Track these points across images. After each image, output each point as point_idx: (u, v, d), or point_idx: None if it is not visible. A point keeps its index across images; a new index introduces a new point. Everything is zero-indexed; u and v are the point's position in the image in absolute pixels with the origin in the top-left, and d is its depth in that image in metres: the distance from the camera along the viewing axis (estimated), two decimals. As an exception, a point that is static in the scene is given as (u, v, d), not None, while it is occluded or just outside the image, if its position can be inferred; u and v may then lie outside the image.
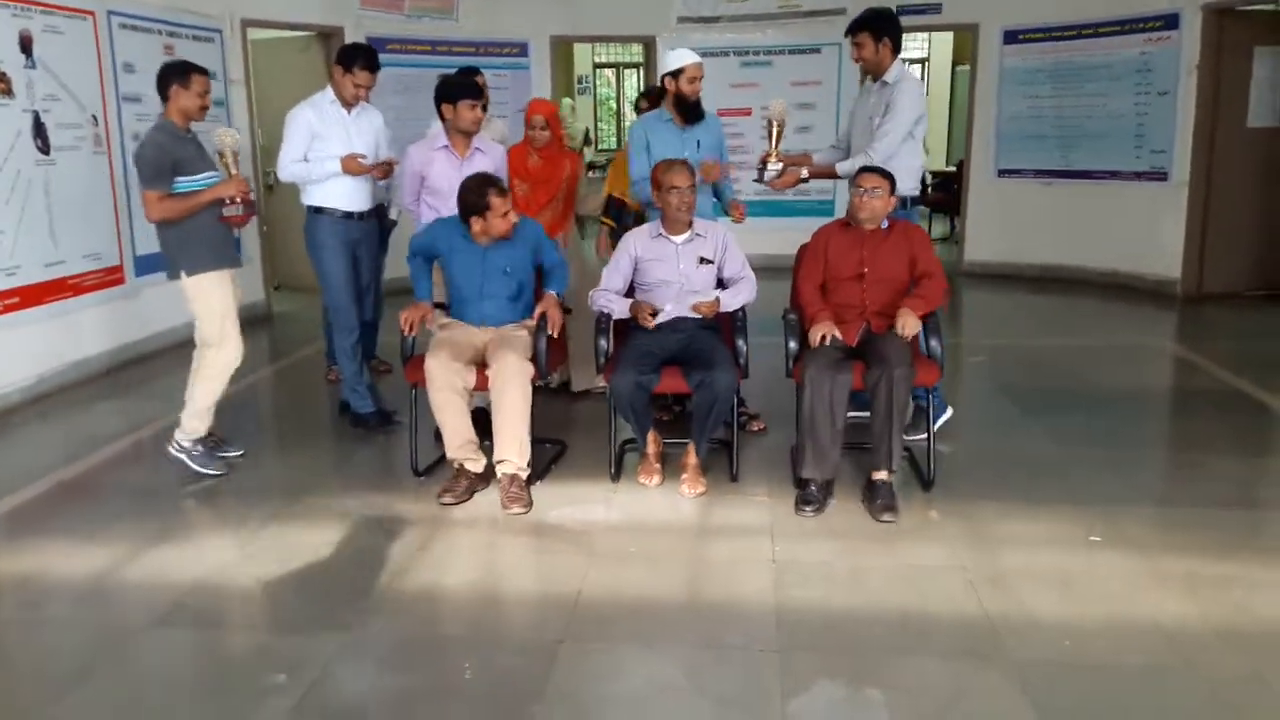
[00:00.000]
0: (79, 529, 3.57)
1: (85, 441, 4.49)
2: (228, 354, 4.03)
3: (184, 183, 3.91)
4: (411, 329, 3.89)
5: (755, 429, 4.46)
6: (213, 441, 4.16)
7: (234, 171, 3.97)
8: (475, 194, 3.82)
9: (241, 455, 4.27)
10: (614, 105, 14.85)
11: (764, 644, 2.71)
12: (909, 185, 4.25)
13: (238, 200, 3.95)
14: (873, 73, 4.34)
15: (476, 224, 3.85)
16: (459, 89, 4.32)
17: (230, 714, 2.44)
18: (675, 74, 4.31)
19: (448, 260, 4.00)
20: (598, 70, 14.65)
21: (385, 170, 4.52)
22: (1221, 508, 3.60)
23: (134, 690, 2.57)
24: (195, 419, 4.04)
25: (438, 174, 4.37)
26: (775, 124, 4.26)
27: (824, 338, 3.66)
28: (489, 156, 4.41)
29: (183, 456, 4.04)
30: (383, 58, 7.90)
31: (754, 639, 2.74)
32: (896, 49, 4.28)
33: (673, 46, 4.39)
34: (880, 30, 4.24)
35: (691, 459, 3.83)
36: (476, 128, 4.37)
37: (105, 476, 4.16)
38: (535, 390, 3.78)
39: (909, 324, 3.65)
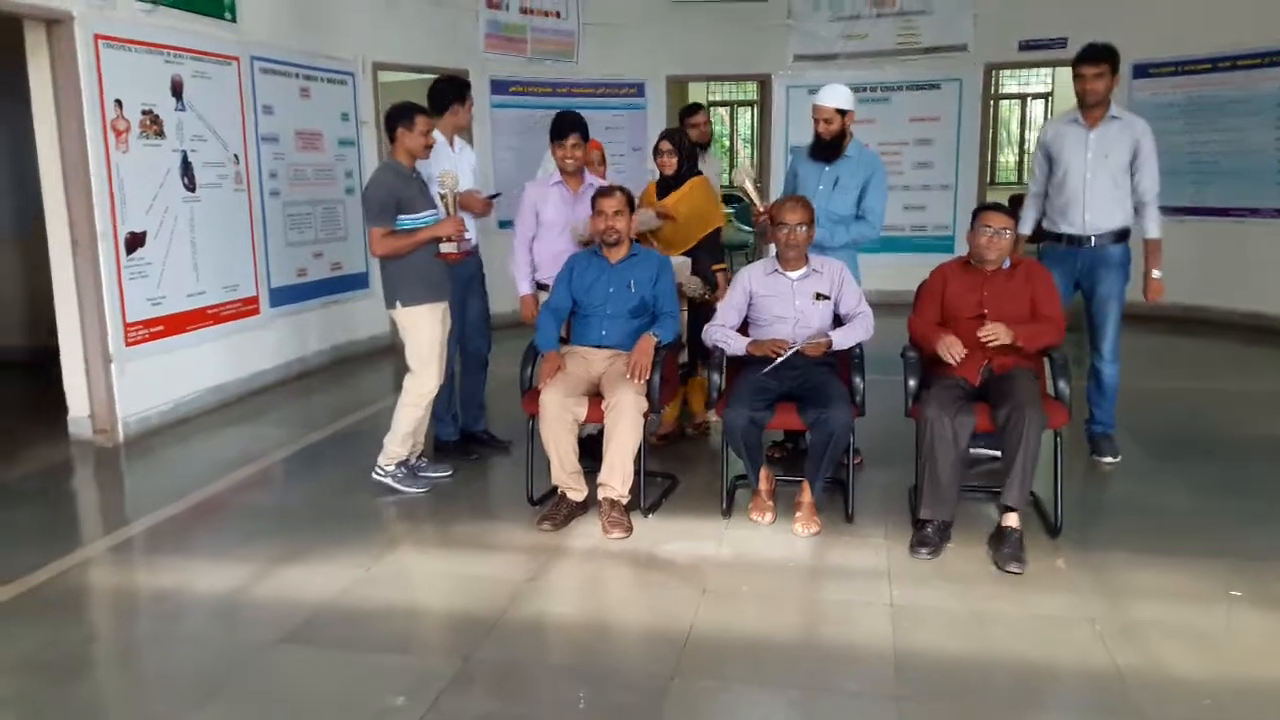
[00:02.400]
0: (214, 548, 3.74)
1: (221, 464, 4.70)
2: (429, 382, 4.20)
3: (406, 220, 4.10)
4: (546, 379, 3.90)
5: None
6: (423, 460, 4.41)
7: (452, 212, 4.18)
8: (603, 191, 4.10)
9: (450, 475, 4.44)
10: (726, 143, 14.93)
11: (882, 690, 2.64)
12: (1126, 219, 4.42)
13: (454, 239, 4.15)
14: (1098, 105, 4.32)
15: (598, 222, 4.04)
16: (555, 129, 4.43)
17: (351, 733, 2.51)
18: (842, 113, 4.34)
19: (578, 278, 4.10)
20: (711, 108, 14.75)
21: (488, 206, 4.75)
22: (1376, 566, 3.36)
23: (262, 705, 2.66)
24: (397, 444, 4.24)
25: (552, 209, 4.47)
26: (752, 183, 4.35)
27: (953, 356, 3.59)
28: None
29: (388, 480, 4.25)
30: (505, 99, 8.29)
31: (871, 685, 2.68)
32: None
33: (820, 84, 4.48)
34: (1117, 64, 4.29)
35: (806, 497, 3.78)
36: (571, 166, 4.44)
37: (239, 498, 4.35)
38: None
39: (997, 331, 3.57)
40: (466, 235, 4.24)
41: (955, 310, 3.82)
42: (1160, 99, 8.16)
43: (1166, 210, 8.01)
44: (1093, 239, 4.38)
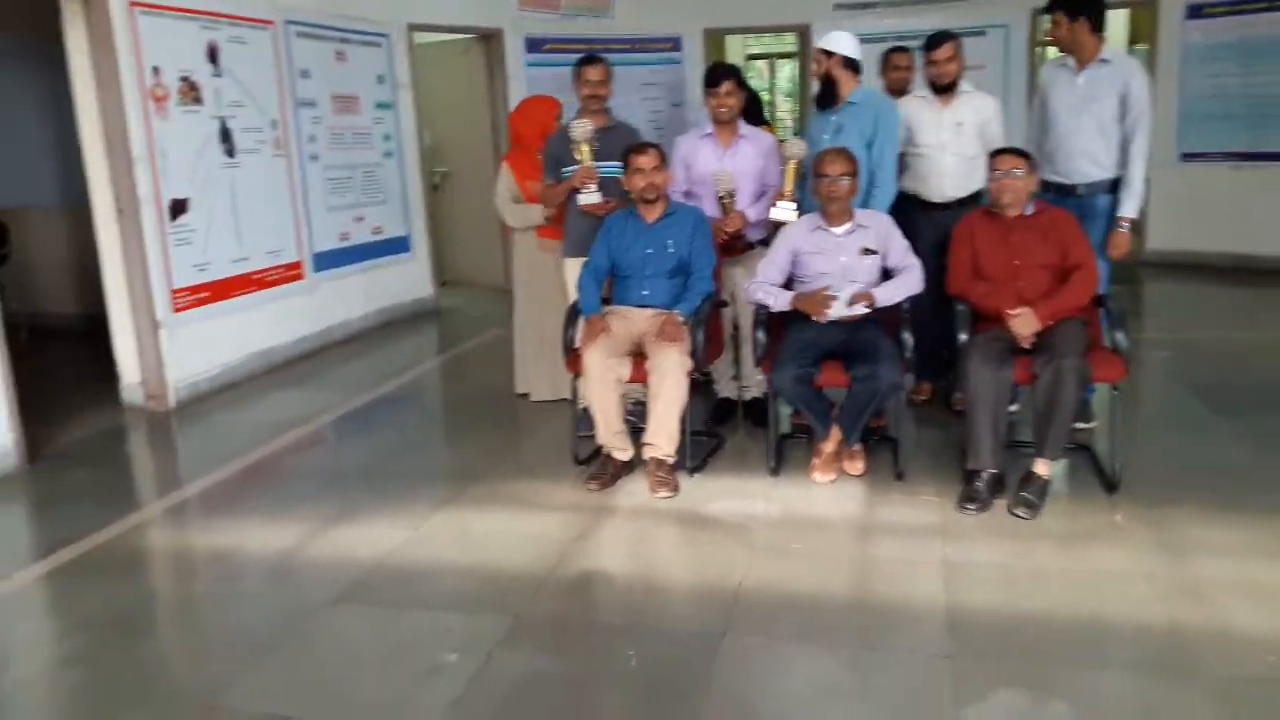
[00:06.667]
0: (266, 509, 3.79)
1: (270, 428, 4.74)
2: None
3: (565, 172, 4.31)
4: (589, 341, 3.84)
5: (920, 398, 4.40)
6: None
7: (586, 163, 4.16)
8: (637, 148, 4.01)
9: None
10: (767, 97, 14.71)
11: (935, 649, 2.62)
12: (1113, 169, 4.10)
13: (593, 188, 4.16)
14: (1072, 53, 4.09)
15: (636, 179, 3.95)
16: (709, 77, 4.27)
17: (405, 689, 2.53)
18: (828, 55, 4.17)
19: (617, 241, 4.04)
20: (750, 62, 14.52)
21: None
22: None
23: (316, 663, 2.70)
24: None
25: (701, 163, 4.32)
26: (795, 164, 4.04)
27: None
28: (755, 145, 4.28)
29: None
30: (540, 57, 8.20)
31: (924, 643, 2.65)
32: (1097, 28, 4.02)
33: (861, 33, 4.35)
34: (1075, 8, 3.99)
35: (829, 446, 3.75)
36: (725, 115, 4.23)
37: (289, 461, 4.39)
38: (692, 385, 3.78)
39: (1025, 323, 3.49)
40: (591, 187, 4.16)
41: (988, 263, 3.74)
42: (1213, 40, 7.88)
43: (1221, 158, 7.90)
44: (1079, 188, 4.11)
